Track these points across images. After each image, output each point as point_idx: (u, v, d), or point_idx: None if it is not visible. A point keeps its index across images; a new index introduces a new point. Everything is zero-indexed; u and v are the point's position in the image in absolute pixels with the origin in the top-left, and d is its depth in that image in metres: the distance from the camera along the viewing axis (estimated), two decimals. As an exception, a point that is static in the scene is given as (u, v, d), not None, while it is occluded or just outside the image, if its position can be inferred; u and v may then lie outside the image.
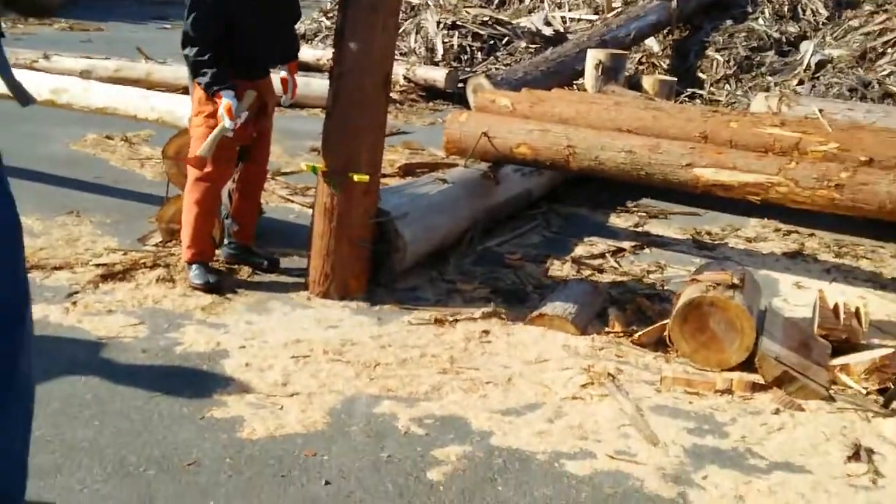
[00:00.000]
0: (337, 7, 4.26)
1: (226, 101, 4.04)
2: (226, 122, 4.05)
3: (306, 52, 11.77)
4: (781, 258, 5.53)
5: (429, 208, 4.80)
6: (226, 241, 4.60)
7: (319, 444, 3.07)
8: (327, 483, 2.85)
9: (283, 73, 4.57)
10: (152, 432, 3.06)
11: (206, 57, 4.06)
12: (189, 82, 4.40)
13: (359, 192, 4.25)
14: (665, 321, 4.08)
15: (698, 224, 6.20)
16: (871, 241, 5.90)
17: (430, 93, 10.94)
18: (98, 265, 4.45)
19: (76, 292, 4.16)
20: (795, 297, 4.85)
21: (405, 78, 10.70)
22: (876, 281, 5.22)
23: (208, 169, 4.18)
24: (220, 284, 4.29)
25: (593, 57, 8.22)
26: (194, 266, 4.28)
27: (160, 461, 2.89)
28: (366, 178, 4.21)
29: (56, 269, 4.40)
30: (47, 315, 3.90)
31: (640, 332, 4.06)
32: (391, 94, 5.32)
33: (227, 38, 4.10)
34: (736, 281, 3.96)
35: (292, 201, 5.96)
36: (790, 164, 4.91)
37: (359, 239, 4.32)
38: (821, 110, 7.17)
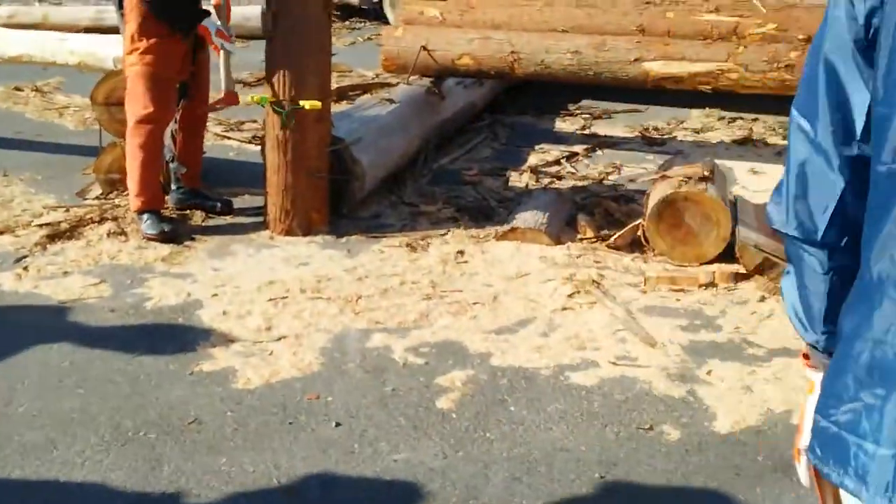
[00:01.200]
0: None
1: (211, 26, 3.90)
2: (227, 46, 3.94)
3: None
4: (732, 146, 5.54)
5: (381, 131, 4.63)
6: (173, 187, 4.37)
7: (319, 386, 2.97)
8: (338, 424, 2.76)
9: None
10: (143, 394, 2.91)
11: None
12: (119, 20, 4.09)
13: (311, 121, 4.06)
14: (637, 221, 4.05)
15: (642, 120, 6.17)
16: (813, 120, 5.93)
17: (343, 11, 10.61)
18: (41, 225, 4.20)
19: (24, 256, 3.91)
20: (753, 183, 4.86)
21: (317, -2, 10.32)
22: (826, 159, 5.27)
23: (150, 110, 3.95)
24: (175, 232, 4.09)
25: (514, -42, 7.99)
26: (146, 215, 4.07)
27: (158, 423, 2.76)
28: (318, 104, 4.02)
29: (-3, 234, 4.14)
30: (0, 284, 3.67)
31: (614, 236, 4.02)
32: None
33: None
34: (706, 173, 3.94)
35: (229, 138, 5.72)
36: (738, 49, 4.88)
37: (315, 170, 4.15)
38: (750, -8, 7.15)
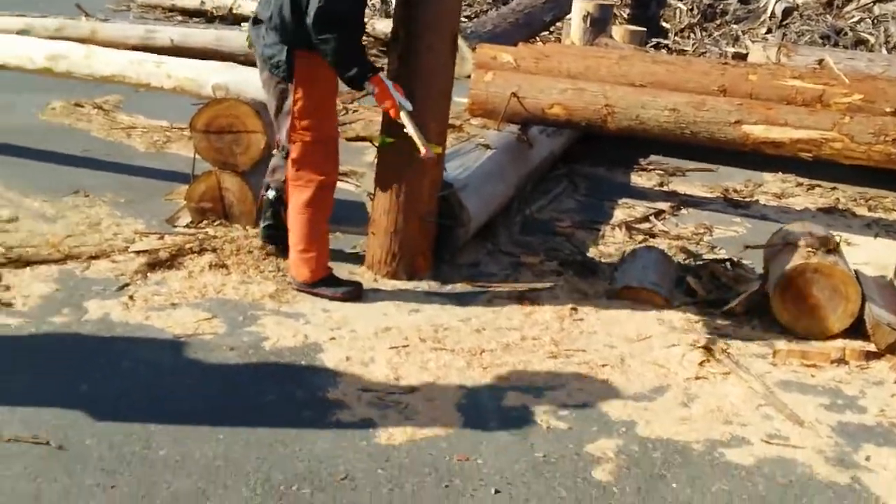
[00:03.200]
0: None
1: (388, 84, 3.58)
2: (406, 105, 3.61)
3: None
4: (818, 214, 5.47)
5: (483, 177, 4.54)
6: (267, 222, 4.13)
7: (466, 446, 2.84)
8: (497, 492, 2.63)
9: None
10: (285, 443, 2.77)
11: (358, 44, 3.58)
12: (271, 81, 3.74)
13: (429, 164, 3.95)
14: (754, 288, 3.96)
15: (717, 180, 6.10)
16: (892, 192, 5.89)
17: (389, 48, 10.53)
18: (138, 252, 4.06)
19: (126, 284, 3.77)
20: (850, 255, 4.75)
21: (365, 32, 10.25)
22: (916, 234, 5.22)
23: (332, 176, 3.80)
24: (361, 285, 3.92)
25: (581, 8, 7.97)
26: (324, 281, 3.82)
27: (309, 477, 2.61)
28: (438, 149, 3.92)
29: (93, 258, 3.99)
30: (108, 313, 3.52)
31: (733, 302, 3.92)
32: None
33: None
34: (833, 245, 3.85)
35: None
36: (844, 118, 4.82)
37: (427, 214, 4.04)
38: (821, 60, 7.15)
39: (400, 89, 3.63)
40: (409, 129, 3.60)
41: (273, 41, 3.62)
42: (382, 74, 3.62)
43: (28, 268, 3.84)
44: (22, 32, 8.79)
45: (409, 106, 3.62)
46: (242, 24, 9.82)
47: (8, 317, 3.41)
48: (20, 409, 2.82)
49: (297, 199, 3.77)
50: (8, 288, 3.63)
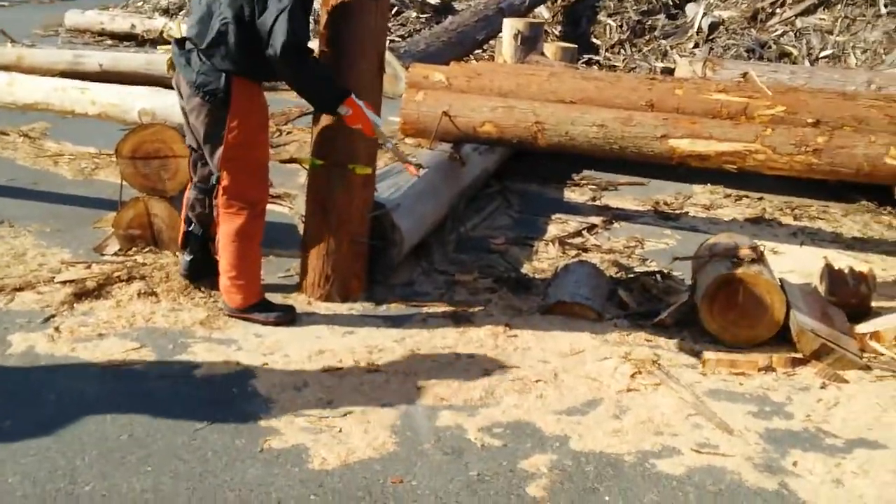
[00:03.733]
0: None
1: (360, 104, 3.65)
2: (377, 120, 3.73)
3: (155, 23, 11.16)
4: (745, 224, 5.58)
5: (415, 196, 4.55)
6: (189, 256, 4.03)
7: (400, 468, 2.83)
8: (431, 512, 2.62)
9: None
10: (216, 473, 2.73)
11: (326, 70, 3.65)
12: (200, 104, 3.58)
13: (358, 186, 3.96)
14: (684, 299, 4.03)
15: (648, 193, 6.20)
16: (817, 201, 6.05)
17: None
18: (65, 282, 3.98)
19: (52, 316, 3.70)
20: (777, 263, 4.86)
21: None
22: (840, 241, 5.35)
23: (265, 201, 3.81)
24: (293, 308, 3.89)
25: (511, 27, 8.05)
26: (256, 307, 3.80)
27: (240, 507, 2.58)
28: (368, 170, 3.93)
29: (17, 290, 3.90)
30: (32, 346, 3.44)
31: (662, 314, 3.98)
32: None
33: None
34: (757, 254, 3.93)
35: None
36: (766, 130, 4.93)
37: (358, 235, 4.03)
38: (745, 73, 7.31)
39: (370, 106, 3.70)
40: (383, 141, 3.85)
41: (208, 68, 3.52)
42: (353, 95, 3.65)
43: (-51, 302, 3.74)
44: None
45: (378, 121, 3.72)
46: (159, 46, 9.63)
47: (-73, 353, 3.32)
48: (-61, 448, 2.74)
49: (229, 226, 3.72)
50: (-73, 323, 3.54)
